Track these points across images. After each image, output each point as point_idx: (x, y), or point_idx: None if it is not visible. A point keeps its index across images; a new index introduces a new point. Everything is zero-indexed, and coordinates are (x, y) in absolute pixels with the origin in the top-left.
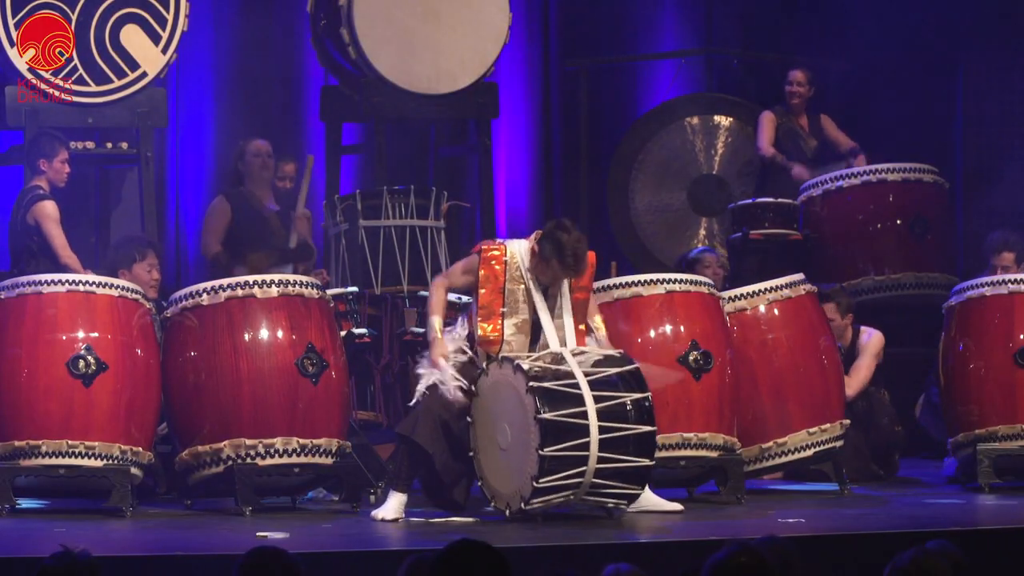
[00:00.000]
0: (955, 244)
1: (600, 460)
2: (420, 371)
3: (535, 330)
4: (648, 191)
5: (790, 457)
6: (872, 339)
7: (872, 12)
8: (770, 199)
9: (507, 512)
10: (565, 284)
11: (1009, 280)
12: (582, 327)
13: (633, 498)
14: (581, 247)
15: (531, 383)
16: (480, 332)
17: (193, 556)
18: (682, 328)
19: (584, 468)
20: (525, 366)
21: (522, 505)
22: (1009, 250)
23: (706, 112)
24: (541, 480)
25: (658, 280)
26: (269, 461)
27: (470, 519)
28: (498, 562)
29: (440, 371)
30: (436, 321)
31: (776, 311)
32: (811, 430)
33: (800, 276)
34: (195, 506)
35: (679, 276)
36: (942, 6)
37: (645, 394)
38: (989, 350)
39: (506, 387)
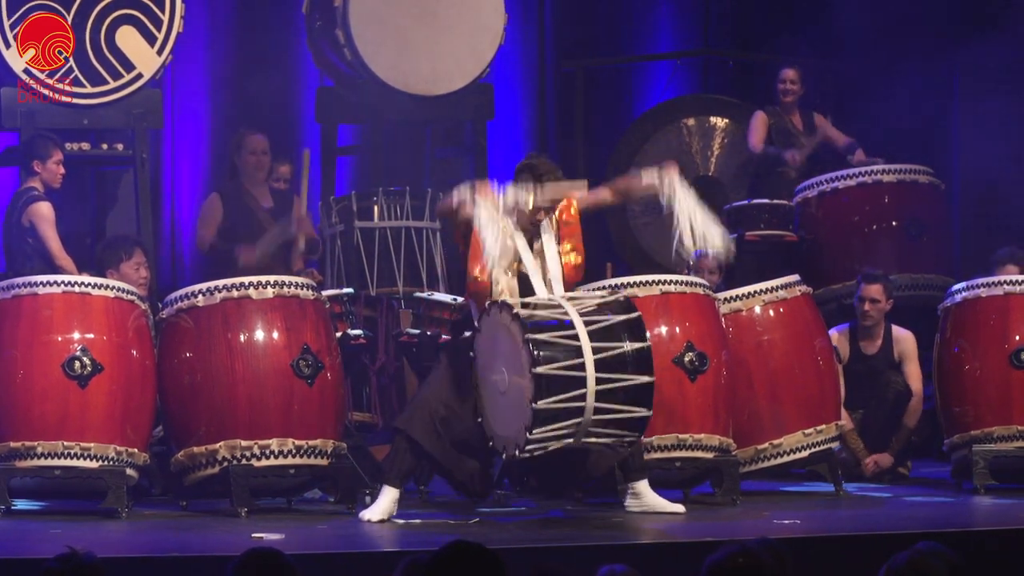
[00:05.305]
0: (951, 245)
1: (596, 411)
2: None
3: (524, 281)
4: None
5: (786, 458)
6: (912, 342)
7: (868, 13)
8: (765, 200)
9: (503, 455)
10: (550, 236)
11: (1004, 281)
12: (572, 261)
13: (632, 443)
14: (557, 170)
15: (527, 334)
16: (469, 272)
17: (188, 557)
18: (677, 329)
19: (580, 420)
20: (523, 314)
21: (516, 452)
22: (1014, 263)
23: (702, 113)
24: (535, 431)
25: (653, 281)
26: (264, 462)
27: (466, 520)
28: (493, 563)
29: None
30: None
31: (771, 312)
32: (807, 431)
33: (795, 277)
34: (190, 507)
35: (674, 277)
36: (938, 7)
37: (645, 344)
38: (984, 351)
39: (504, 332)
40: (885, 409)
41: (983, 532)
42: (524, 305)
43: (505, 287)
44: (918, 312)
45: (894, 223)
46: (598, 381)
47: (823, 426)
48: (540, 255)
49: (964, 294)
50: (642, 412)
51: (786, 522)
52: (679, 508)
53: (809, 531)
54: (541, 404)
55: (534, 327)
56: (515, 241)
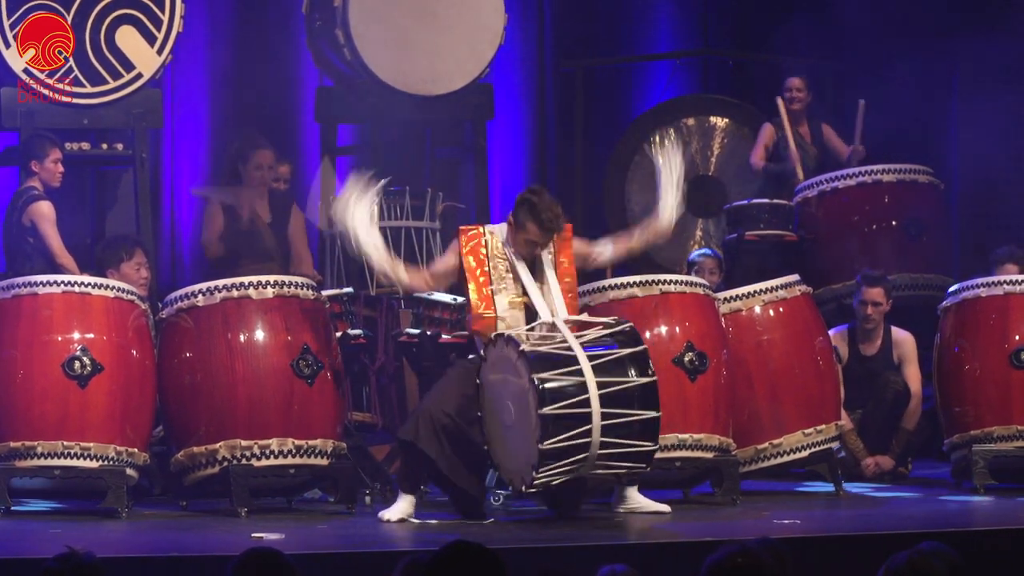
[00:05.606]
0: (950, 245)
1: (602, 446)
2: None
3: (529, 311)
4: (644, 193)
5: (786, 458)
6: (911, 343)
7: (867, 12)
8: (765, 200)
9: (510, 488)
10: (548, 259)
11: (1004, 281)
12: (571, 294)
13: (638, 474)
14: (556, 207)
15: (533, 374)
16: (472, 311)
17: (188, 557)
18: (677, 329)
19: (586, 455)
20: (528, 350)
21: (523, 488)
22: (1013, 263)
23: (702, 113)
24: (541, 469)
25: (653, 281)
26: (264, 462)
27: (481, 520)
28: (493, 563)
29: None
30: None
31: (771, 312)
32: (806, 431)
33: (795, 277)
34: (190, 507)
35: (674, 277)
36: (938, 6)
37: (651, 378)
38: (984, 351)
39: (510, 368)
40: (884, 409)
41: (983, 532)
42: (528, 337)
43: (511, 322)
44: (918, 312)
45: (894, 223)
46: (603, 416)
47: (823, 426)
48: (543, 281)
49: (964, 294)
50: (648, 446)
51: (786, 522)
52: (665, 508)
53: (809, 531)
54: (547, 445)
55: (539, 364)
56: (517, 270)
